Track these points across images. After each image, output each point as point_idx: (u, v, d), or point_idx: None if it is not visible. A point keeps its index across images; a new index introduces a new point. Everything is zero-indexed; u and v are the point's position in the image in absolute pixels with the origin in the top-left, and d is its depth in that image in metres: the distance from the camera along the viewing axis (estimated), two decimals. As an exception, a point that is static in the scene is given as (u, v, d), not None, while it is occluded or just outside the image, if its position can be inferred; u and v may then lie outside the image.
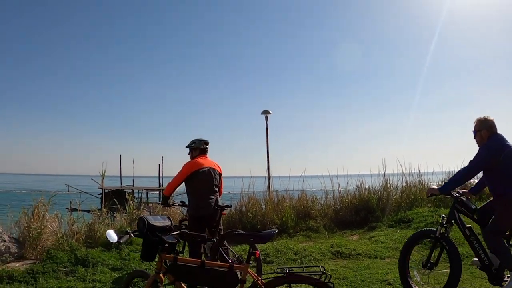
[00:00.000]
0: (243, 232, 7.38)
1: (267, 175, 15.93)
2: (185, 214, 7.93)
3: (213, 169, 7.34)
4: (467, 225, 5.62)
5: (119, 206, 11.38)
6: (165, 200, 7.54)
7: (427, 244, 7.62)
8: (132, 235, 4.17)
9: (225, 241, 6.96)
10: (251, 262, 6.60)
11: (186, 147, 7.51)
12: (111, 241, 4.01)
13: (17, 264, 8.50)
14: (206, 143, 7.46)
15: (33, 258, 8.93)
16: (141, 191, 38.87)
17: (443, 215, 5.84)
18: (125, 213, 11.16)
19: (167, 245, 4.18)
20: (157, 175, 42.72)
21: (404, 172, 14.03)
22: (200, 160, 7.26)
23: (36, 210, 9.35)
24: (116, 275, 7.91)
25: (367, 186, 13.73)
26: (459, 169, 5.96)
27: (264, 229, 11.55)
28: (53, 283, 7.43)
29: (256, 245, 4.02)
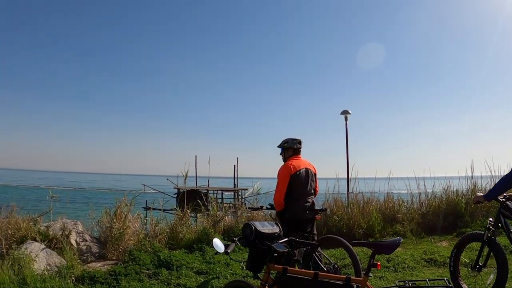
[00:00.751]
0: (339, 238, 6.71)
1: (347, 176, 15.21)
2: (273, 217, 7.36)
3: (309, 170, 6.75)
4: None
5: (202, 207, 11.02)
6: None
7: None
8: (238, 243, 3.66)
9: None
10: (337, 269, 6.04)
11: (278, 147, 6.94)
12: (217, 251, 3.53)
13: (98, 265, 8.27)
14: (299, 142, 6.86)
15: (114, 258, 8.69)
16: (216, 191, 38.87)
17: (490, 219, 5.91)
18: (207, 213, 10.81)
19: (276, 254, 3.63)
20: (232, 175, 43.11)
21: (493, 174, 12.88)
22: (294, 161, 6.67)
23: (118, 210, 9.12)
24: (202, 279, 7.46)
25: (454, 189, 12.93)
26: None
27: (350, 232, 10.89)
28: (136, 285, 7.07)
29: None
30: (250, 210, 7.80)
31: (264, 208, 7.41)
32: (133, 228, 9.08)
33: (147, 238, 8.93)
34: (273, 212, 7.41)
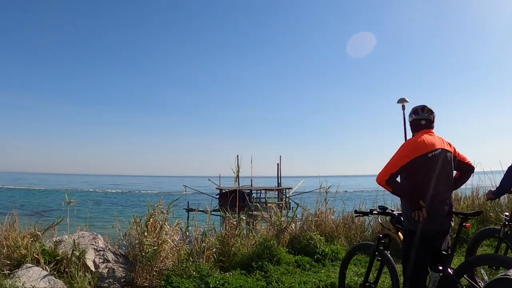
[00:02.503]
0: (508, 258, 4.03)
1: None
2: (386, 227, 4.70)
3: (448, 152, 4.08)
4: None
5: (262, 213, 8.54)
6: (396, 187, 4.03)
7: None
8: None
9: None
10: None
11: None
12: None
13: (124, 295, 5.81)
14: (429, 111, 4.20)
15: (147, 284, 6.14)
16: (259, 191, 36.84)
17: (506, 213, 5.28)
18: (264, 220, 8.33)
19: None
20: (275, 175, 40.55)
21: None
22: (426, 137, 4.02)
23: (151, 219, 6.53)
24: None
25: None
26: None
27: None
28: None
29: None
30: (357, 216, 5.10)
31: (375, 212, 4.76)
32: (171, 242, 6.52)
33: (190, 257, 6.41)
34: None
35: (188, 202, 32.40)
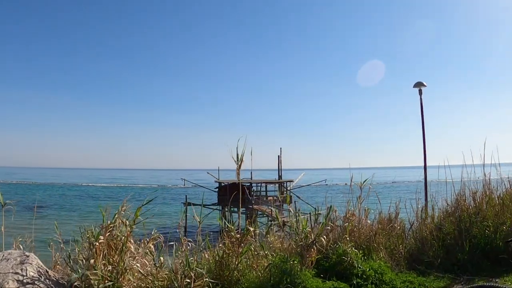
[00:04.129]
0: None
1: (424, 163, 11.96)
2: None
3: None
4: None
5: (278, 220, 6.11)
6: None
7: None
8: None
9: None
10: None
11: None
12: None
13: None
14: None
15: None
16: (259, 184, 34.64)
17: None
18: (274, 224, 5.98)
19: None
20: (276, 167, 38.22)
21: None
22: None
23: (105, 236, 4.03)
24: None
25: None
26: None
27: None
28: None
29: None
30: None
31: None
32: (140, 270, 4.05)
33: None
34: None
35: (186, 196, 30.31)
